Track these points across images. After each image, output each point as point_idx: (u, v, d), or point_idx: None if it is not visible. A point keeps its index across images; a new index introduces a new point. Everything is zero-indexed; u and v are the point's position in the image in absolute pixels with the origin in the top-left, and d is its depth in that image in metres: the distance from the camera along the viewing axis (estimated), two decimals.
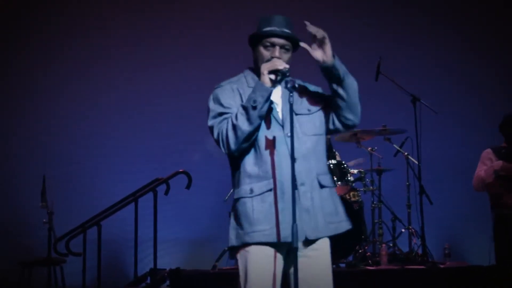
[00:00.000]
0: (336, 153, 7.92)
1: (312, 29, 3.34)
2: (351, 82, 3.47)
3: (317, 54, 3.38)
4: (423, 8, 9.63)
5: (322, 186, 3.48)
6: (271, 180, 3.38)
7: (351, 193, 7.63)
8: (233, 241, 3.46)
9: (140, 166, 8.85)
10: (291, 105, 3.29)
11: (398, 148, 7.88)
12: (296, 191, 3.30)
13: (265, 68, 3.38)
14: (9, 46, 9.10)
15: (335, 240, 7.35)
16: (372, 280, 6.60)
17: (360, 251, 7.31)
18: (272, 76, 3.36)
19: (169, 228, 8.53)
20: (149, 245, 7.55)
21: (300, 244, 3.38)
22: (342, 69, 3.42)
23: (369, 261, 7.19)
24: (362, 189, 7.81)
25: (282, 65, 3.36)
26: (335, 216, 3.53)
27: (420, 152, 7.23)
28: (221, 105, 3.45)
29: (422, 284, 6.57)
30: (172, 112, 9.01)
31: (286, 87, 3.33)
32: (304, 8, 9.32)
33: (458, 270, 6.86)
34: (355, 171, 7.73)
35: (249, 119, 3.31)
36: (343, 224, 3.57)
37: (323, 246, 3.49)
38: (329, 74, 3.41)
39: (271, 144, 3.40)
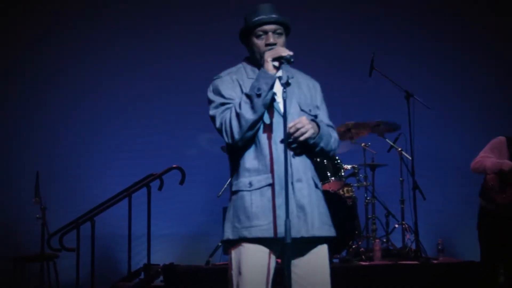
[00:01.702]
0: None
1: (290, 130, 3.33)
2: (333, 143, 3.54)
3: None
4: (417, 4, 9.64)
5: (316, 187, 3.46)
6: (270, 175, 3.33)
7: (345, 189, 7.65)
8: (228, 234, 3.38)
9: (134, 161, 8.84)
10: (284, 101, 3.25)
11: (392, 144, 7.89)
12: (292, 187, 3.31)
13: (268, 55, 3.35)
14: None
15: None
16: (365, 276, 6.61)
17: (353, 246, 7.32)
18: (276, 63, 3.34)
19: (163, 223, 8.53)
20: (143, 241, 7.54)
21: (295, 242, 3.32)
22: (324, 140, 3.46)
23: (363, 256, 7.20)
24: (355, 185, 7.83)
25: (285, 52, 3.34)
26: (328, 219, 3.49)
27: (414, 147, 7.24)
28: (222, 96, 3.41)
29: (415, 279, 6.57)
30: (166, 108, 9.00)
31: (280, 83, 3.29)
32: (298, 4, 9.32)
33: (451, 265, 6.88)
34: (349, 166, 7.74)
35: (253, 107, 3.27)
36: (333, 230, 3.52)
37: (321, 250, 3.44)
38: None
39: (270, 138, 3.37)
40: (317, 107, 3.60)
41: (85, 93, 9.07)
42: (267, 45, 3.44)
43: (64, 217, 7.57)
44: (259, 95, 3.27)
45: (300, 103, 3.52)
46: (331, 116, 3.69)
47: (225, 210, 3.65)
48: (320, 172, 7.52)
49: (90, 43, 9.15)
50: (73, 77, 9.07)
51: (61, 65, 9.06)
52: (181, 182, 7.72)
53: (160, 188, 7.62)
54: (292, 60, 3.34)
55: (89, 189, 8.68)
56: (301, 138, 3.34)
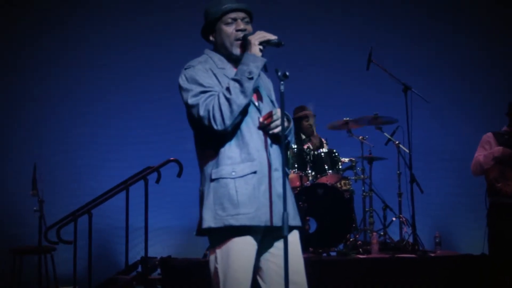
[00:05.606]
0: (325, 141, 7.95)
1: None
2: (293, 138, 3.64)
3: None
4: None
5: (287, 175, 3.47)
6: (254, 163, 3.33)
7: (342, 182, 7.66)
8: (210, 222, 3.30)
9: (131, 154, 8.84)
10: (281, 93, 3.22)
11: (389, 137, 7.88)
12: (271, 176, 3.33)
13: (256, 39, 3.35)
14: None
15: (326, 229, 7.38)
16: (363, 269, 6.61)
17: (351, 239, 7.33)
18: (261, 47, 3.35)
19: (160, 216, 8.53)
20: (140, 234, 7.55)
21: (277, 230, 3.33)
22: (291, 134, 3.55)
23: (360, 249, 7.20)
24: (353, 178, 7.83)
25: (272, 35, 3.36)
26: (297, 209, 3.51)
27: (411, 140, 7.24)
28: (201, 84, 3.36)
29: (412, 272, 6.58)
30: (163, 100, 8.98)
31: (277, 75, 3.24)
32: None
33: (449, 259, 6.88)
34: (346, 159, 7.74)
35: (243, 91, 3.25)
36: (299, 220, 3.54)
37: (295, 238, 3.45)
38: None
39: (251, 126, 3.37)
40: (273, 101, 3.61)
41: (82, 86, 9.06)
42: (238, 30, 3.43)
43: (61, 210, 7.57)
44: (251, 78, 3.27)
45: (269, 94, 3.56)
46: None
47: None
48: (318, 165, 7.53)
49: (86, 36, 9.13)
50: (70, 70, 9.06)
51: (58, 58, 9.04)
52: (179, 175, 7.72)
53: (157, 181, 7.62)
54: (282, 43, 3.35)
55: (86, 181, 8.68)
56: (275, 130, 3.37)
